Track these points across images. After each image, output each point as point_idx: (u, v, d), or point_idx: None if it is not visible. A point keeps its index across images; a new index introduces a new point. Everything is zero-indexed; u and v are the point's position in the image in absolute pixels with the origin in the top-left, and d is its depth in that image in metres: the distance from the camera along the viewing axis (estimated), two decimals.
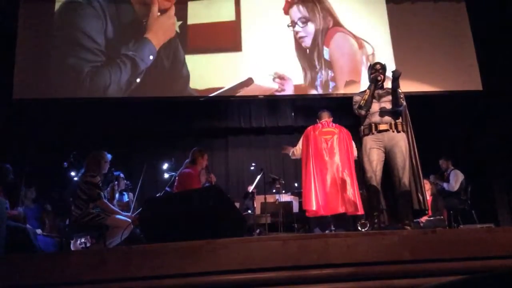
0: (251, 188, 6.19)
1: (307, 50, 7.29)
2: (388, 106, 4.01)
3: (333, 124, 5.39)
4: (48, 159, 6.36)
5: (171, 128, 7.85)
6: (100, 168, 4.54)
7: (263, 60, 7.14)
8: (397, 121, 3.99)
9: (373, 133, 3.98)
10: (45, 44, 6.73)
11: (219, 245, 2.28)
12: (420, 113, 7.42)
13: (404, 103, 4.02)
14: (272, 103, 8.06)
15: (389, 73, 4.13)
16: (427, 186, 6.17)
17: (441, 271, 2.22)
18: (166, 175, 6.14)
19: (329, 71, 7.21)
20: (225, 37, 7.24)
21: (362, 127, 4.11)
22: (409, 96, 7.02)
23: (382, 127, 3.96)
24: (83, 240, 4.87)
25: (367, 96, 4.02)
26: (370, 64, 4.33)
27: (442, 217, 6.13)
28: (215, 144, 8.42)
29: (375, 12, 7.41)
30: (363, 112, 4.03)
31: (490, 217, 6.59)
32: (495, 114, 6.98)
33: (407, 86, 7.00)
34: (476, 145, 7.12)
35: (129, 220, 4.31)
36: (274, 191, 6.64)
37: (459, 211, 6.50)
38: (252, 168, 7.38)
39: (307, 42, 7.33)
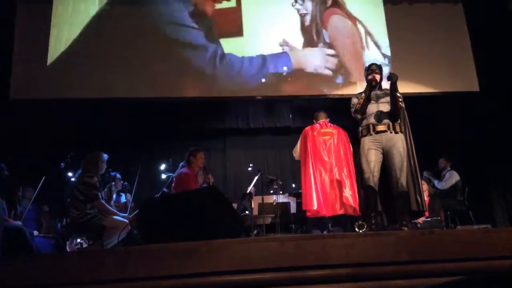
0: (249, 189, 6.19)
1: (309, 32, 7.32)
2: (386, 107, 4.02)
3: (331, 124, 5.40)
4: (45, 159, 6.34)
5: (169, 128, 7.84)
6: (97, 169, 4.53)
7: (267, 44, 7.13)
8: (395, 122, 3.99)
9: (371, 134, 3.98)
10: (42, 44, 6.71)
11: (216, 246, 2.28)
12: (417, 114, 7.45)
13: (403, 105, 4.03)
14: (269, 104, 8.06)
15: (386, 73, 4.15)
16: (424, 187, 6.17)
17: (439, 271, 2.23)
18: (163, 176, 6.13)
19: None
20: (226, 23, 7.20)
21: (360, 128, 4.12)
22: (406, 97, 7.06)
23: (380, 128, 3.96)
24: (79, 241, 4.86)
25: (362, 100, 4.03)
26: (366, 66, 4.34)
27: (439, 218, 6.13)
28: (212, 144, 8.42)
29: (373, 13, 7.42)
30: (359, 116, 4.07)
31: (487, 218, 6.61)
32: (491, 115, 7.00)
33: (404, 87, 7.00)
34: (473, 146, 7.13)
35: (127, 221, 4.30)
36: (271, 192, 6.65)
37: (456, 212, 6.51)
38: (249, 169, 7.38)
39: (308, 20, 7.37)
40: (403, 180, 3.84)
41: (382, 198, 4.05)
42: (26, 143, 6.59)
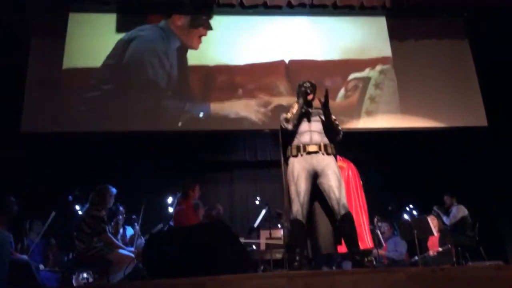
0: (256, 223, 6.14)
1: None
2: (319, 126, 3.81)
3: (340, 157, 5.40)
4: (53, 192, 6.36)
5: (176, 161, 7.84)
6: (105, 202, 4.56)
7: None
8: (326, 144, 3.75)
9: (301, 155, 3.74)
10: (55, 78, 6.81)
11: (222, 281, 2.25)
12: (425, 149, 7.45)
13: (339, 128, 3.81)
14: (277, 136, 8.05)
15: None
16: (434, 222, 6.12)
17: None
18: (170, 210, 6.11)
19: None
20: None
21: (289, 146, 3.90)
22: (414, 132, 7.08)
23: (311, 148, 3.72)
24: (85, 275, 4.82)
25: (295, 110, 3.84)
26: (299, 83, 4.04)
27: (449, 253, 6.03)
28: (220, 177, 8.40)
29: (379, 48, 7.50)
30: (290, 126, 3.83)
31: (498, 254, 6.49)
32: (500, 150, 6.96)
33: (411, 122, 7.04)
34: (482, 181, 7.07)
35: (133, 255, 4.28)
36: (279, 226, 6.58)
37: (467, 247, 6.40)
38: (257, 202, 7.32)
39: None
40: (343, 199, 3.51)
41: (310, 228, 3.73)
42: (34, 176, 6.63)
